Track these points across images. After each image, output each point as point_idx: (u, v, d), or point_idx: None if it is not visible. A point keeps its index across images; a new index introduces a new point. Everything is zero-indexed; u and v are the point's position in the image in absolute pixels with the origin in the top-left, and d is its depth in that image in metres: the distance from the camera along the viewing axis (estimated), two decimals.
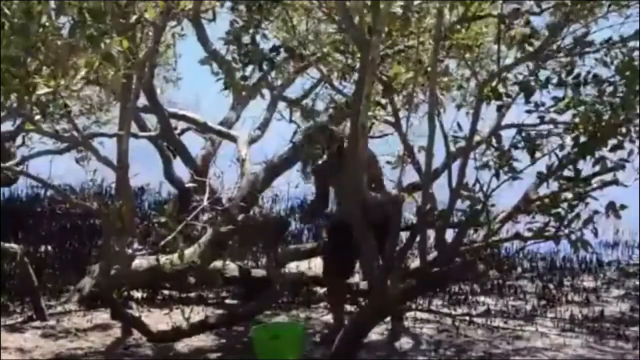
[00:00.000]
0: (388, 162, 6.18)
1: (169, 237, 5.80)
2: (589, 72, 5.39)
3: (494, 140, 5.67)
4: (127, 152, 5.53)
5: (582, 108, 5.24)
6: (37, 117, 4.96)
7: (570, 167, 5.55)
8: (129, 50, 4.61)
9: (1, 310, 7.36)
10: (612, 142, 5.38)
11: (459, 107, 6.43)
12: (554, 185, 5.78)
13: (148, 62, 5.31)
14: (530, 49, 5.74)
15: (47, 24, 4.43)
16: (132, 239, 6.00)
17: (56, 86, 4.52)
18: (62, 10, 4.46)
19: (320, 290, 7.96)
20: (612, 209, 5.41)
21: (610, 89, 5.25)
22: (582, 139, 5.39)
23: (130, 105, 5.53)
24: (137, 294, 7.87)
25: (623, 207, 5.44)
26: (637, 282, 9.16)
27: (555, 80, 5.50)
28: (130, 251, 5.85)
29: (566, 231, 5.54)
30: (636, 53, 5.32)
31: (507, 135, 5.83)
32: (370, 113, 5.87)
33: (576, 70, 5.49)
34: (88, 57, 4.47)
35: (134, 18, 4.86)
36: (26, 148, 9.64)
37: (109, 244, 5.98)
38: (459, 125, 5.74)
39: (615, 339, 7.24)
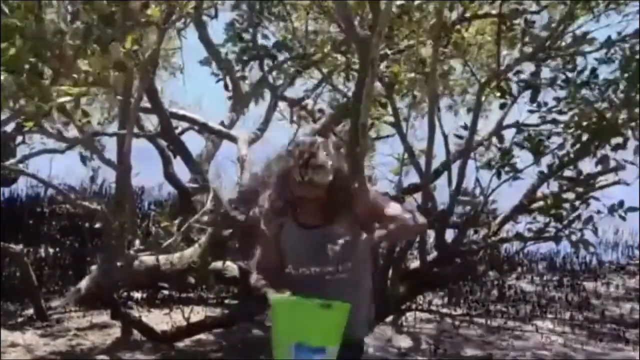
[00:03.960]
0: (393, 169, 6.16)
1: (170, 240, 5.81)
2: (593, 70, 5.39)
3: (495, 140, 5.68)
4: (129, 152, 5.52)
5: (582, 107, 5.24)
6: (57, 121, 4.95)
7: (572, 167, 5.56)
8: (133, 51, 4.62)
9: (1, 310, 7.36)
10: (616, 140, 5.38)
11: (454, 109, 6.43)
12: (554, 185, 5.78)
13: (150, 63, 5.31)
14: (529, 49, 5.75)
15: (62, 28, 4.44)
16: (133, 239, 5.99)
17: (79, 94, 4.52)
18: (77, 16, 4.47)
19: None
20: (619, 209, 5.40)
21: (611, 87, 5.26)
22: (584, 138, 5.40)
23: (133, 107, 5.53)
24: (137, 294, 7.86)
25: (632, 209, 5.42)
26: (637, 283, 9.16)
27: (559, 78, 5.51)
28: (132, 252, 5.84)
29: (567, 232, 5.55)
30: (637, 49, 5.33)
31: (507, 135, 5.84)
32: (371, 113, 5.87)
33: (579, 68, 5.50)
34: (98, 61, 4.47)
35: (140, 20, 4.87)
36: (26, 147, 9.63)
37: (110, 244, 5.98)
38: (466, 126, 5.73)
39: (615, 340, 7.24)
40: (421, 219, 3.89)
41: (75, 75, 4.49)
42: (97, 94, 7.62)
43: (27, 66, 4.38)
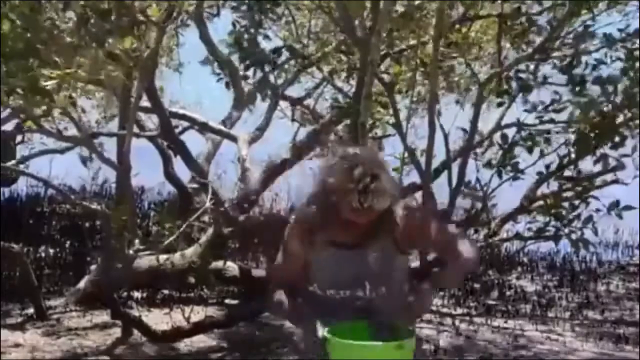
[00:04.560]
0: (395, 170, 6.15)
1: (171, 239, 5.80)
2: (594, 67, 5.40)
3: (499, 139, 5.69)
4: (129, 152, 5.52)
5: (584, 106, 5.25)
6: (43, 108, 4.93)
7: (572, 166, 5.57)
8: (132, 50, 4.62)
9: (1, 310, 7.35)
10: (615, 139, 5.39)
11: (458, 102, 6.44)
12: (554, 185, 5.79)
13: (150, 62, 5.30)
14: (530, 49, 5.75)
15: (55, 17, 4.44)
16: (133, 239, 5.99)
17: (62, 76, 4.50)
18: (68, 6, 4.47)
19: None
20: (616, 208, 5.41)
21: (612, 86, 5.26)
22: (584, 137, 5.41)
23: (133, 107, 5.53)
24: (137, 294, 7.86)
25: (628, 207, 5.43)
26: (637, 283, 9.17)
27: (557, 73, 5.52)
28: (132, 252, 5.84)
29: (566, 231, 5.56)
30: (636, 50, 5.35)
31: (508, 134, 5.84)
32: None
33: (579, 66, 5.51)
34: (92, 55, 4.48)
35: (137, 17, 4.86)
36: (26, 147, 9.63)
37: (110, 244, 5.98)
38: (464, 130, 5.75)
39: (615, 340, 7.23)
40: (473, 253, 3.29)
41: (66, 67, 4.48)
42: (94, 90, 7.63)
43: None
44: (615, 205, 5.44)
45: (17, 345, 6.62)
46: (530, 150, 5.61)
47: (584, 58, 5.61)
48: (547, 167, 5.66)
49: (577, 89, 5.30)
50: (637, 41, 5.41)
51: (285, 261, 3.42)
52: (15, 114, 5.60)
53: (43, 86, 4.53)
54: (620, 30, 5.52)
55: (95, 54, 4.50)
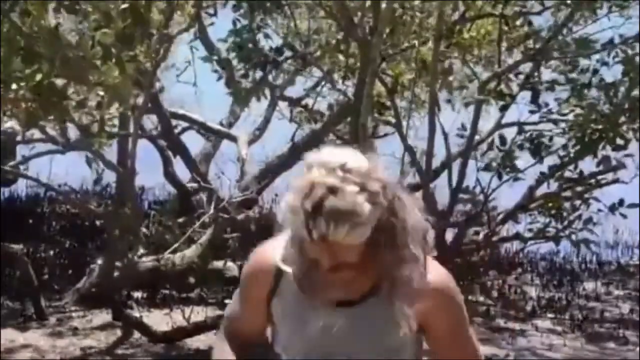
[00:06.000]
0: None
1: (175, 246, 5.81)
2: (595, 71, 5.41)
3: (497, 141, 5.70)
4: (134, 157, 5.52)
5: (585, 108, 5.26)
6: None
7: (572, 167, 5.58)
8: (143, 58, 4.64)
9: (1, 310, 7.35)
10: (618, 141, 5.39)
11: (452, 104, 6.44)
12: (554, 186, 5.79)
13: (153, 68, 5.32)
14: (531, 51, 5.76)
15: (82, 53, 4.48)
16: (136, 244, 6.00)
17: (92, 109, 4.53)
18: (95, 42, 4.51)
19: None
20: (620, 207, 5.41)
21: (612, 89, 5.27)
22: (586, 139, 5.42)
23: (138, 113, 5.54)
24: (137, 294, 7.86)
25: (633, 205, 5.43)
26: (637, 283, 9.16)
27: (561, 79, 5.53)
28: (135, 258, 5.85)
29: (567, 232, 5.56)
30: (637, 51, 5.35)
31: (508, 134, 5.84)
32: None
33: (581, 67, 5.52)
34: (112, 77, 4.49)
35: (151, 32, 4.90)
36: (26, 146, 9.61)
37: (111, 245, 5.98)
38: (464, 127, 5.76)
39: (615, 340, 7.24)
40: None
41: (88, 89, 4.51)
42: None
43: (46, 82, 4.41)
44: (619, 204, 5.45)
45: (16, 345, 6.62)
46: (535, 154, 5.60)
47: (585, 62, 5.62)
48: (551, 167, 5.66)
49: (579, 93, 5.31)
50: (637, 45, 5.41)
51: (238, 309, 2.40)
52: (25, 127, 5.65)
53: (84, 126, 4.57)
54: (621, 35, 5.53)
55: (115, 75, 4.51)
